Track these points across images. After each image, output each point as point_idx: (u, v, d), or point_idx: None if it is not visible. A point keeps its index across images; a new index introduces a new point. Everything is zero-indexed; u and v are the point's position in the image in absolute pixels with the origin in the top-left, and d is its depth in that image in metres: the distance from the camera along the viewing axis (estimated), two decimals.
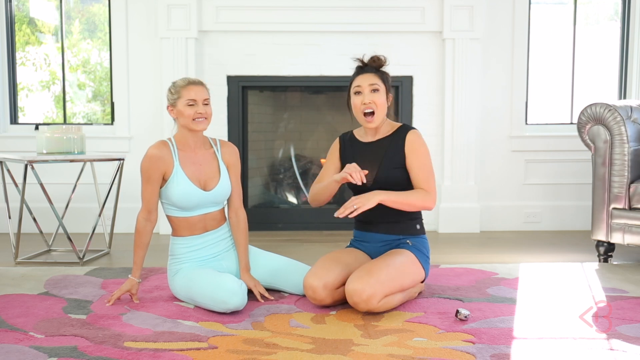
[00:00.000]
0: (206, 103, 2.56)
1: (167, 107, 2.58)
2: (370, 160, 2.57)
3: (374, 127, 2.56)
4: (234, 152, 2.70)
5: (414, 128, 2.59)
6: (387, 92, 2.57)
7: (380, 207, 2.53)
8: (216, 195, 2.59)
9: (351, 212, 2.37)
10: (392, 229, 2.58)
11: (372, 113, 2.53)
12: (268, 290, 2.68)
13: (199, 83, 2.57)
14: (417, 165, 2.50)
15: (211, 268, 2.59)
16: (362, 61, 2.60)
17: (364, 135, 2.66)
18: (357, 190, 2.58)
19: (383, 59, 2.58)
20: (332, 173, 2.67)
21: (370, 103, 2.52)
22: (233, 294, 2.35)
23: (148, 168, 2.51)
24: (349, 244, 2.73)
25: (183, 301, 2.57)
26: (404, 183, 2.53)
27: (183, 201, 2.53)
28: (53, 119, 4.72)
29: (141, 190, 2.56)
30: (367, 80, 2.53)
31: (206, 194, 2.56)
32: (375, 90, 2.53)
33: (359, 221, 2.67)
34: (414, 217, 2.60)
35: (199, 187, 2.56)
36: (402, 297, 2.47)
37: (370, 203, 2.38)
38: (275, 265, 2.70)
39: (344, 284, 2.48)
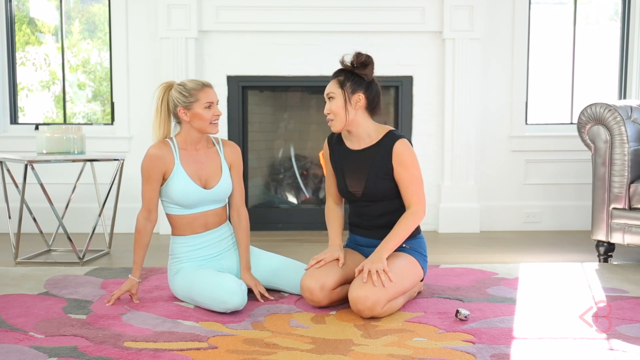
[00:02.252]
0: (217, 104, 2.59)
1: (179, 109, 2.53)
2: (356, 170, 2.53)
3: (336, 131, 2.53)
4: (236, 151, 2.70)
5: (401, 136, 2.49)
6: (349, 94, 2.46)
7: (372, 213, 2.54)
8: (217, 194, 2.59)
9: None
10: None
11: (332, 120, 2.50)
12: (268, 290, 2.68)
13: (211, 85, 2.59)
14: (406, 178, 2.45)
15: (211, 267, 2.59)
16: (342, 63, 2.51)
17: (349, 140, 2.59)
18: (352, 200, 2.58)
19: (355, 58, 2.47)
20: (332, 180, 2.67)
21: (328, 113, 2.49)
22: (233, 294, 2.35)
23: (148, 168, 2.51)
24: (345, 244, 2.72)
25: (183, 301, 2.57)
26: (391, 193, 2.51)
27: (183, 199, 2.53)
28: (53, 119, 4.72)
29: (141, 189, 2.56)
30: (326, 90, 2.50)
31: (206, 191, 2.56)
32: (330, 98, 2.49)
33: (353, 226, 2.66)
34: None
35: (200, 185, 2.56)
36: (404, 299, 2.47)
37: (382, 264, 2.34)
38: (275, 265, 2.70)
39: (341, 284, 2.48)
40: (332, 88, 2.49)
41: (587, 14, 4.74)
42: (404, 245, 2.52)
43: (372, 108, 2.52)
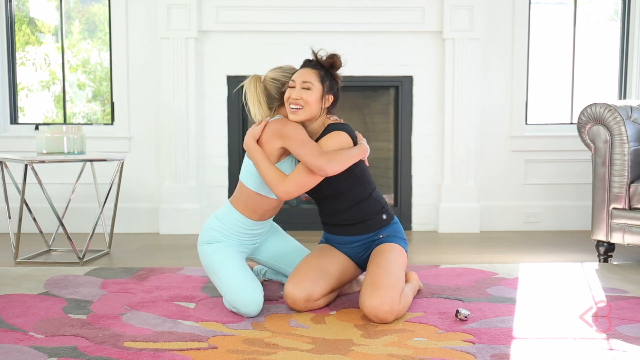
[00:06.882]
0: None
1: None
2: None
3: (295, 120, 2.42)
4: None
5: (339, 129, 2.45)
6: (326, 93, 2.45)
7: (339, 207, 2.52)
8: None
9: None
10: (361, 230, 2.54)
11: (300, 108, 2.41)
12: (273, 271, 2.80)
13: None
14: (294, 151, 2.37)
15: (244, 248, 2.58)
16: (316, 56, 2.50)
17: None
18: (318, 199, 2.57)
19: (336, 60, 2.48)
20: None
21: (298, 99, 2.40)
22: (251, 302, 2.34)
23: (300, 129, 2.42)
24: (322, 241, 2.69)
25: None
26: (347, 183, 2.47)
27: None
28: (53, 119, 4.72)
29: (307, 146, 2.36)
30: (301, 77, 2.43)
31: None
32: (306, 89, 2.41)
33: (326, 224, 2.63)
34: (378, 210, 2.54)
35: None
36: (410, 289, 2.50)
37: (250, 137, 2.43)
38: (287, 248, 2.71)
39: (325, 294, 2.48)
40: (311, 78, 2.44)
41: (587, 14, 4.74)
42: (381, 235, 2.53)
43: (332, 108, 2.53)
